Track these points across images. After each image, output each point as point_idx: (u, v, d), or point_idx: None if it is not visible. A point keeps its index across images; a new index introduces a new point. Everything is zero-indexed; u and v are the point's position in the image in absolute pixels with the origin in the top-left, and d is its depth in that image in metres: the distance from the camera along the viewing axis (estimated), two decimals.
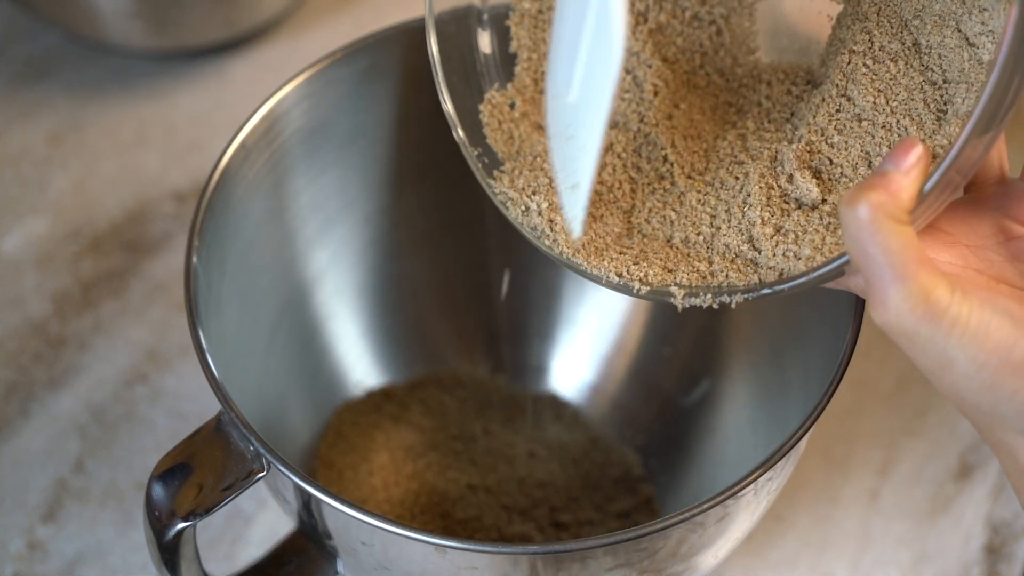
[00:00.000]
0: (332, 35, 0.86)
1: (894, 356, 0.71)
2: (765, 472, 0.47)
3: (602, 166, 0.52)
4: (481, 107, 0.55)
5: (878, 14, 0.49)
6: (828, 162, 0.48)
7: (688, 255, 0.50)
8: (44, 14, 0.82)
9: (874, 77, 0.48)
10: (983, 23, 0.46)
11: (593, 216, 0.51)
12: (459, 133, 0.54)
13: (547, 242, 0.50)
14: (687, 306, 0.49)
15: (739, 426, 0.61)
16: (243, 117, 0.58)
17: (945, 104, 0.47)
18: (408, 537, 0.46)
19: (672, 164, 0.52)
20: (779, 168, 0.49)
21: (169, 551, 0.49)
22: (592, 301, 0.68)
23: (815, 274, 0.46)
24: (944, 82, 0.47)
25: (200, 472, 0.49)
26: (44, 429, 0.69)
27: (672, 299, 0.48)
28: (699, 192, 0.51)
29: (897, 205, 0.41)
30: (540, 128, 0.54)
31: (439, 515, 0.58)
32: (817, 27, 0.53)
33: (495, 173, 0.53)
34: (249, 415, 0.50)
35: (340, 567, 0.53)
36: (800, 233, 0.47)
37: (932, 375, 0.42)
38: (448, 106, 0.54)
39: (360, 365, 0.66)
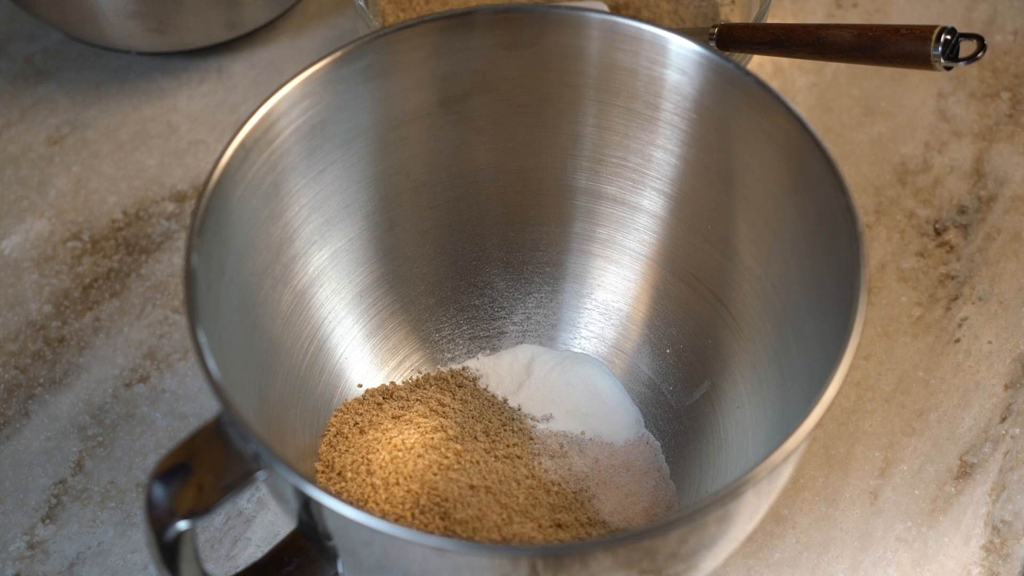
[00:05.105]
0: (332, 35, 0.86)
1: (894, 356, 0.71)
2: (765, 472, 0.47)
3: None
4: None
5: None
6: None
7: None
8: (44, 14, 0.82)
9: None
10: None
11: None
12: None
13: None
14: None
15: (740, 426, 0.61)
16: (243, 117, 0.58)
17: None
18: (407, 540, 0.46)
19: None
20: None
21: (169, 551, 0.49)
22: (592, 302, 0.68)
23: None
24: None
25: (200, 472, 0.49)
26: (44, 429, 0.69)
27: None
28: None
29: None
30: None
31: (439, 515, 0.58)
32: None
33: None
34: (249, 415, 0.50)
35: (340, 567, 0.53)
36: None
37: None
38: None
39: (360, 365, 0.66)
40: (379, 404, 0.64)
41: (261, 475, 0.49)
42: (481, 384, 0.67)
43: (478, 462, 0.61)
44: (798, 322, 0.58)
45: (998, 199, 0.78)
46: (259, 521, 0.66)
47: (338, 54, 0.59)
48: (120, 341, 0.72)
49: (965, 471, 0.67)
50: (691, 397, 0.65)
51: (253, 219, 0.58)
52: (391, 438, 0.62)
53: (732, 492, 0.47)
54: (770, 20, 0.83)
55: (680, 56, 0.60)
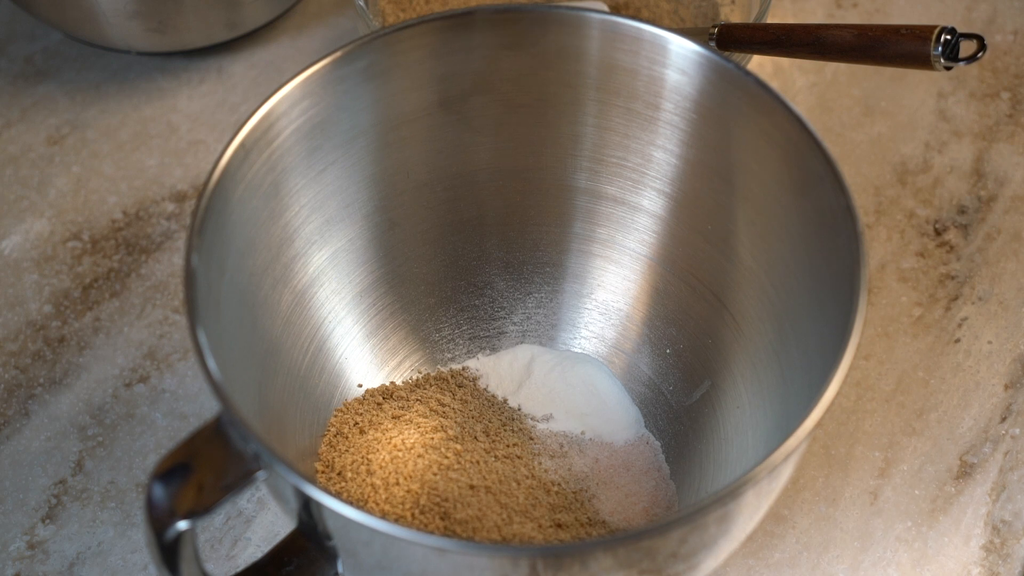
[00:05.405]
0: (332, 35, 0.86)
1: (894, 356, 0.71)
2: (765, 472, 0.47)
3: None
4: None
5: None
6: None
7: None
8: (44, 14, 0.82)
9: None
10: None
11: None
12: None
13: None
14: None
15: (740, 426, 0.61)
16: (243, 117, 0.58)
17: None
18: (407, 540, 0.46)
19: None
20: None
21: (169, 551, 0.49)
22: (592, 302, 0.68)
23: None
24: None
25: (200, 472, 0.49)
26: (44, 429, 0.69)
27: None
28: None
29: None
30: None
31: (439, 515, 0.58)
32: None
33: None
34: (249, 415, 0.50)
35: (340, 567, 0.53)
36: None
37: None
38: None
39: (360, 365, 0.66)
40: (379, 404, 0.64)
41: (261, 475, 0.49)
42: (481, 384, 0.67)
43: (478, 462, 0.61)
44: (798, 322, 0.58)
45: (998, 199, 0.78)
46: (259, 521, 0.66)
47: (338, 54, 0.59)
48: (120, 341, 0.72)
49: (965, 471, 0.67)
50: (691, 397, 0.65)
51: (253, 219, 0.58)
52: (391, 438, 0.62)
53: (732, 492, 0.47)
54: (770, 20, 0.83)
55: (680, 56, 0.60)
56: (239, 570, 0.55)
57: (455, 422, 0.64)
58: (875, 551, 0.64)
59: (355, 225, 0.64)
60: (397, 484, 0.60)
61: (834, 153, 0.55)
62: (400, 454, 0.61)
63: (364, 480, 0.60)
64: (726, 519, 0.49)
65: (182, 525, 0.48)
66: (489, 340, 0.69)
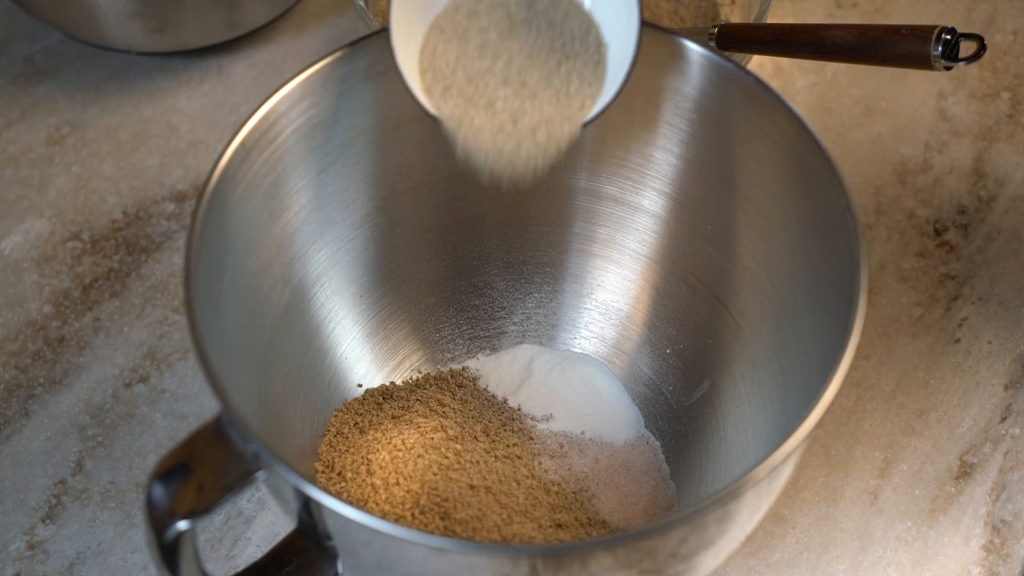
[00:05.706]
0: (332, 35, 0.86)
1: (894, 356, 0.71)
2: (765, 472, 0.47)
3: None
4: None
5: None
6: None
7: None
8: (44, 14, 0.82)
9: None
10: None
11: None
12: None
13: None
14: None
15: (740, 426, 0.61)
16: (243, 117, 0.58)
17: None
18: (407, 540, 0.46)
19: None
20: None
21: (169, 551, 0.49)
22: (592, 302, 0.68)
23: None
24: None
25: (200, 472, 0.49)
26: (44, 429, 0.69)
27: None
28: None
29: None
30: None
31: (439, 515, 0.58)
32: None
33: None
34: (249, 415, 0.50)
35: (340, 567, 0.53)
36: None
37: None
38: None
39: (360, 365, 0.66)
40: (379, 404, 0.64)
41: (261, 475, 0.49)
42: (481, 384, 0.67)
43: (478, 462, 0.61)
44: (798, 322, 0.58)
45: (998, 199, 0.78)
46: (259, 521, 0.66)
47: (338, 54, 0.59)
48: (120, 341, 0.72)
49: (965, 471, 0.67)
50: (691, 397, 0.65)
51: (253, 219, 0.58)
52: (391, 438, 0.62)
53: (732, 492, 0.47)
54: (770, 20, 0.83)
55: (680, 56, 0.60)
56: (239, 570, 0.55)
57: (455, 422, 0.64)
58: (875, 551, 0.64)
59: (355, 225, 0.64)
60: (397, 484, 0.60)
61: (834, 153, 0.55)
62: (400, 454, 0.61)
63: (364, 480, 0.60)
64: (726, 519, 0.49)
65: (182, 525, 0.48)
66: (489, 340, 0.69)
